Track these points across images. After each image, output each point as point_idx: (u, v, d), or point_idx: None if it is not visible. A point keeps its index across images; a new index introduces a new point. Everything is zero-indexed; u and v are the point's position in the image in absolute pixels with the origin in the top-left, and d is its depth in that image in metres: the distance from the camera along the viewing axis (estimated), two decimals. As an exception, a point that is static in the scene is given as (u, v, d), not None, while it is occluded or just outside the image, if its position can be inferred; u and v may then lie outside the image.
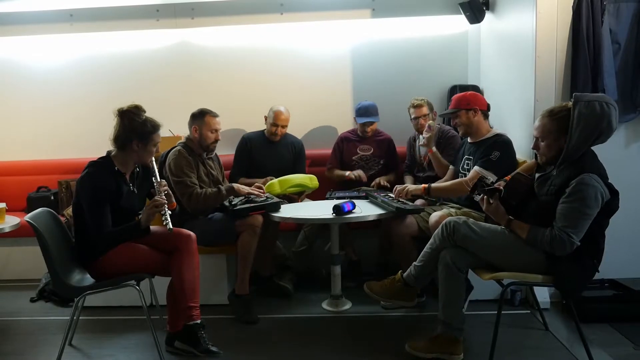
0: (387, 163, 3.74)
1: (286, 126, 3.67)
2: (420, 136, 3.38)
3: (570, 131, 2.18)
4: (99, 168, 2.46)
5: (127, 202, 2.50)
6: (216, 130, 3.17)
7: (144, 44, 4.15)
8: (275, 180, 3.34)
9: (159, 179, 2.54)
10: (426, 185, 2.97)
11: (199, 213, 3.07)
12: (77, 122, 4.17)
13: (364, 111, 3.67)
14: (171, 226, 2.41)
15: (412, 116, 3.49)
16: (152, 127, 2.49)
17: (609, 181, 2.20)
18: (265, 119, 3.68)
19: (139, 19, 4.02)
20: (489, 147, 2.85)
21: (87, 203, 2.41)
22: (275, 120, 3.62)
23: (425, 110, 3.44)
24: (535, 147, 2.36)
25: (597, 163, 2.23)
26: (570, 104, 2.22)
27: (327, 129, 4.14)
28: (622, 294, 2.89)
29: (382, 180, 3.55)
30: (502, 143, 2.86)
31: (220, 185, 3.14)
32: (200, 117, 3.15)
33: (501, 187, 2.30)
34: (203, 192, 3.02)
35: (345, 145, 3.77)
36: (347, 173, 3.63)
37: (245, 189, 3.09)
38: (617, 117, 2.20)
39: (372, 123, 3.68)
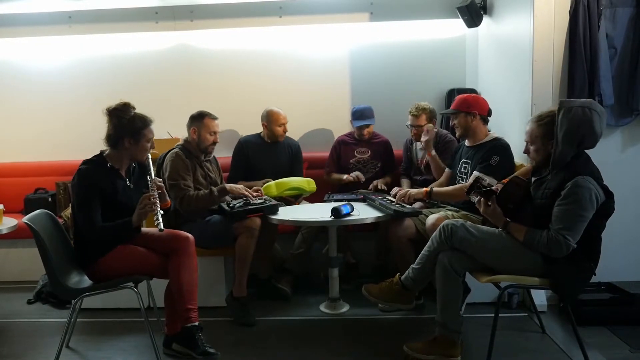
0: (384, 166, 3.74)
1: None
2: (417, 143, 3.38)
3: (555, 136, 2.21)
4: (90, 165, 2.47)
5: (125, 198, 2.50)
6: (215, 133, 3.17)
7: (142, 47, 4.16)
8: (272, 183, 3.34)
9: (153, 177, 2.52)
10: (428, 189, 2.98)
11: (193, 215, 3.06)
12: (75, 123, 4.17)
13: (360, 114, 3.67)
14: (162, 226, 2.37)
15: (409, 123, 3.47)
16: (141, 123, 2.49)
17: (604, 183, 2.21)
18: (265, 126, 3.66)
19: (138, 21, 4.03)
20: (488, 151, 2.85)
21: (77, 199, 2.42)
22: (280, 120, 3.63)
23: (422, 121, 3.39)
24: (526, 151, 2.40)
25: (591, 165, 2.24)
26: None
27: (325, 131, 4.15)
28: (618, 297, 2.89)
29: (379, 184, 3.55)
30: (501, 147, 2.87)
31: (212, 187, 3.13)
32: (199, 119, 3.15)
33: (497, 189, 2.30)
34: (195, 194, 3.01)
35: (343, 149, 3.78)
36: (345, 176, 3.63)
37: (240, 189, 3.07)
38: (601, 122, 2.21)
39: (368, 126, 3.68)
